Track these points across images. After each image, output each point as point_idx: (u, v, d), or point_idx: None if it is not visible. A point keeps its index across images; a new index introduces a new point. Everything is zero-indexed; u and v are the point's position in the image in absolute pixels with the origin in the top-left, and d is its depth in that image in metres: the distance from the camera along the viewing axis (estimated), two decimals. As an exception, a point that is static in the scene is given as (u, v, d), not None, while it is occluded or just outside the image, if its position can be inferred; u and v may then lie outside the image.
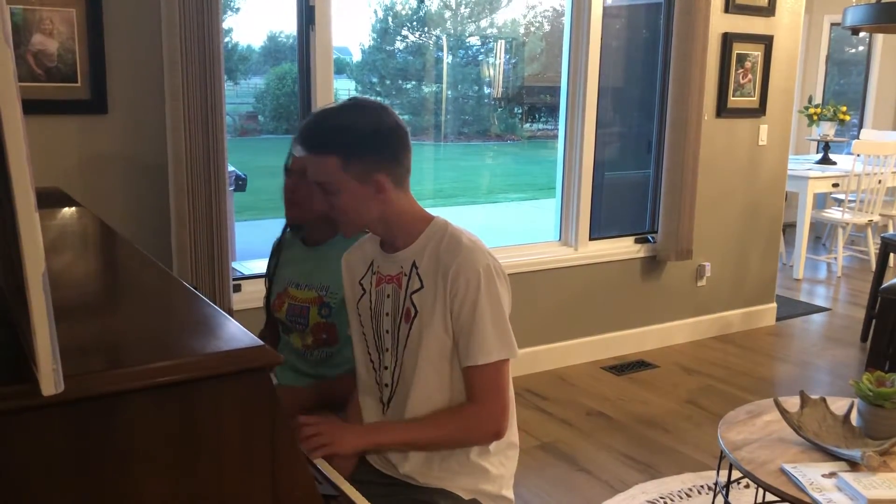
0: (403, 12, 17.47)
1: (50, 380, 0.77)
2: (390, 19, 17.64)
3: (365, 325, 1.67)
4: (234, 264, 3.35)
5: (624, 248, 4.23)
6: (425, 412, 1.59)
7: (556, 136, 4.26)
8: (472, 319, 1.51)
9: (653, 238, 4.28)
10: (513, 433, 1.67)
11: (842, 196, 6.14)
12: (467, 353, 1.53)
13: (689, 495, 2.80)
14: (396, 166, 1.54)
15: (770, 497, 2.07)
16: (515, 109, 17.97)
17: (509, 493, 1.68)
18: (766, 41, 4.38)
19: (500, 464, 1.64)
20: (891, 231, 6.35)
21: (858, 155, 5.79)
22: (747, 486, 2.75)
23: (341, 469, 1.59)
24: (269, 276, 2.15)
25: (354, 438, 1.59)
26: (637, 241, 4.28)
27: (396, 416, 1.63)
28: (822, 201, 6.97)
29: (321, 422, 1.59)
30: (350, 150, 1.50)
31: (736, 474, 2.15)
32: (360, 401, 1.72)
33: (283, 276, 2.08)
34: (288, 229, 2.14)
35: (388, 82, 15.98)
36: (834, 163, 6.27)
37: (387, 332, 1.62)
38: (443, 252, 1.55)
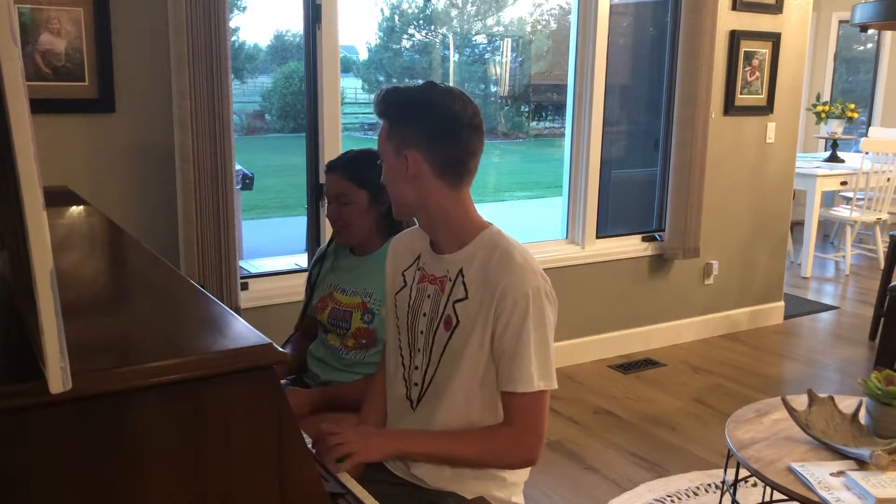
0: (410, 11, 17.48)
1: (58, 377, 0.77)
2: (397, 18, 17.66)
3: (400, 319, 1.64)
4: (242, 263, 3.37)
5: (631, 246, 4.22)
6: (452, 422, 1.56)
7: (562, 135, 4.26)
8: (515, 344, 1.47)
9: (660, 236, 4.27)
10: None
11: (850, 194, 6.11)
12: (509, 379, 1.49)
13: (696, 494, 2.79)
14: (436, 150, 1.48)
15: (778, 496, 2.07)
16: (522, 108, 17.96)
17: (519, 499, 1.66)
18: (774, 38, 4.36)
19: (515, 473, 1.62)
20: (899, 229, 6.33)
21: (867, 153, 5.76)
22: (755, 485, 2.74)
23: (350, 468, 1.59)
24: (312, 282, 2.19)
25: (383, 444, 1.54)
26: (644, 240, 4.27)
27: (424, 419, 1.59)
28: (830, 199, 6.94)
29: (346, 431, 1.53)
30: (393, 115, 1.51)
31: (743, 473, 2.14)
32: (388, 390, 1.69)
33: (329, 281, 2.12)
34: (334, 241, 2.18)
35: (394, 81, 15.99)
36: (842, 161, 6.24)
37: (421, 332, 1.58)
38: (493, 266, 1.49)
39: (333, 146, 3.26)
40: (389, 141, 1.50)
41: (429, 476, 1.59)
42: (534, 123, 18.07)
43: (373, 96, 2.02)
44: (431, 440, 1.56)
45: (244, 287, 3.12)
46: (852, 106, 6.34)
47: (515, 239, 1.57)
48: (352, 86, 16.83)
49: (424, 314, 1.58)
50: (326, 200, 2.09)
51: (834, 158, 6.27)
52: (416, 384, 1.61)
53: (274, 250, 6.90)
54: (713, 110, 4.14)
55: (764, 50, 4.33)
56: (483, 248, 1.53)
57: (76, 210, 1.96)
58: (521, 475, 1.65)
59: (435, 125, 1.48)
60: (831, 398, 2.10)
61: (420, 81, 1.57)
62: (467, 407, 1.55)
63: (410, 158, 1.48)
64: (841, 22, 7.91)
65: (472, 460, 1.55)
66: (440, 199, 1.51)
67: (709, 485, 2.85)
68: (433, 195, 1.51)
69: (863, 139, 6.07)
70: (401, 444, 1.56)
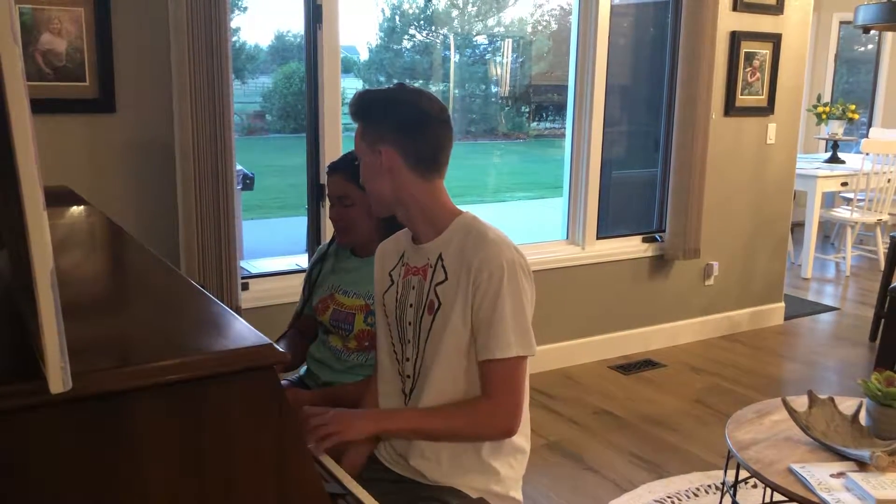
0: (411, 11, 17.48)
1: (58, 378, 0.77)
2: (397, 18, 17.66)
3: (389, 316, 1.68)
4: (242, 263, 3.36)
5: (631, 247, 4.22)
6: (439, 403, 1.59)
7: (563, 135, 4.26)
8: (492, 313, 1.51)
9: (660, 237, 4.27)
10: (525, 437, 1.66)
11: (850, 195, 6.11)
12: (486, 347, 1.53)
13: (696, 495, 2.79)
14: (408, 144, 1.55)
15: (778, 497, 2.07)
16: (522, 108, 17.97)
17: (518, 494, 1.67)
18: (775, 39, 4.36)
19: (509, 465, 1.64)
20: (900, 230, 6.32)
21: (867, 154, 5.76)
22: (755, 486, 2.74)
23: (350, 466, 1.59)
24: (312, 281, 2.18)
25: (364, 423, 1.58)
26: (644, 240, 4.27)
27: (415, 406, 1.62)
28: (830, 200, 6.94)
29: (327, 411, 1.58)
30: (366, 115, 1.58)
31: (744, 474, 2.14)
32: (380, 390, 1.72)
33: (330, 282, 2.12)
34: (335, 242, 2.17)
35: (395, 81, 15.97)
36: (843, 161, 6.24)
37: (409, 323, 1.62)
38: (468, 245, 1.55)
39: (334, 146, 3.26)
40: (364, 139, 1.58)
41: (427, 470, 1.61)
42: (534, 124, 18.06)
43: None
44: (411, 417, 1.60)
45: (244, 287, 3.12)
46: (853, 107, 6.34)
47: (491, 224, 1.63)
48: (352, 86, 16.82)
49: (411, 305, 1.62)
50: (329, 202, 2.09)
51: (834, 159, 6.26)
52: (408, 376, 1.64)
53: (274, 250, 6.90)
54: (713, 111, 4.14)
55: (764, 51, 4.33)
56: (458, 232, 1.59)
57: (76, 210, 1.96)
58: (518, 469, 1.67)
59: (405, 120, 1.56)
60: (831, 399, 2.10)
61: (419, 83, 1.60)
62: (454, 386, 1.58)
63: (385, 153, 1.55)
64: (841, 23, 7.90)
65: (452, 433, 1.59)
66: (415, 191, 1.58)
67: (709, 486, 2.85)
68: (408, 187, 1.57)
69: (863, 140, 6.06)
70: (381, 422, 1.61)
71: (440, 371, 1.57)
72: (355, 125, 1.61)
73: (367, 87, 1.65)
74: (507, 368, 1.53)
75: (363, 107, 1.58)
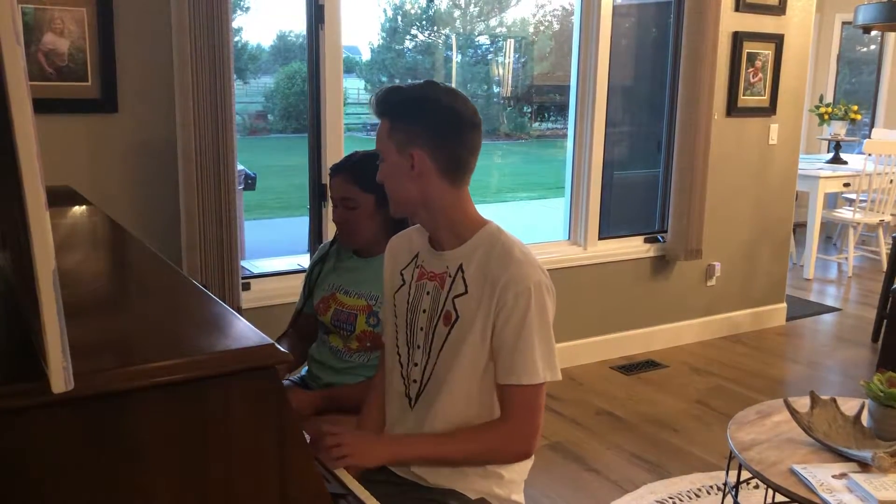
0: (413, 11, 17.50)
1: (60, 377, 0.77)
2: (399, 18, 17.69)
3: (399, 317, 1.64)
4: (244, 263, 3.37)
5: (633, 247, 4.22)
6: (450, 419, 1.56)
7: (565, 136, 4.26)
8: (517, 336, 1.48)
9: (662, 238, 4.26)
10: None
11: (853, 196, 6.10)
12: (510, 371, 1.49)
13: (697, 496, 2.79)
14: (441, 148, 1.49)
15: (780, 498, 2.07)
16: (524, 108, 17.98)
17: (520, 497, 1.66)
18: (777, 40, 4.36)
19: (512, 469, 1.62)
20: (902, 231, 6.31)
21: (870, 154, 5.75)
22: (756, 487, 2.74)
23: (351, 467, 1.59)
24: (312, 281, 2.16)
25: (379, 451, 1.55)
26: (646, 241, 4.27)
27: (422, 415, 1.60)
28: (832, 201, 6.93)
29: (345, 433, 1.55)
30: (396, 114, 1.50)
31: (745, 475, 2.14)
32: (386, 390, 1.70)
33: (331, 282, 2.10)
34: (337, 242, 2.16)
35: (396, 81, 16.00)
36: (845, 162, 6.23)
37: (421, 329, 1.59)
38: (493, 261, 1.51)
39: (336, 146, 3.26)
40: (392, 139, 1.51)
41: (428, 473, 1.60)
42: (536, 124, 18.08)
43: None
44: (427, 444, 1.57)
45: (246, 287, 3.12)
46: (855, 107, 6.33)
47: (514, 235, 1.58)
48: (354, 86, 16.86)
49: (424, 311, 1.59)
50: (331, 203, 2.08)
51: (837, 160, 6.26)
52: (414, 381, 1.62)
53: (276, 250, 6.90)
54: (716, 112, 4.14)
55: (767, 51, 4.33)
56: (483, 244, 1.54)
57: (79, 210, 1.96)
58: (520, 473, 1.65)
59: (441, 124, 1.49)
60: (833, 400, 2.09)
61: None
62: (466, 402, 1.55)
63: (416, 157, 1.49)
64: (844, 23, 7.90)
65: (468, 460, 1.56)
66: (442, 196, 1.53)
67: (710, 486, 2.85)
68: (436, 192, 1.52)
69: (866, 141, 6.06)
70: (396, 451, 1.57)
71: (454, 385, 1.54)
72: (375, 122, 1.54)
73: (396, 84, 1.57)
74: (531, 394, 1.50)
75: (393, 105, 1.51)
